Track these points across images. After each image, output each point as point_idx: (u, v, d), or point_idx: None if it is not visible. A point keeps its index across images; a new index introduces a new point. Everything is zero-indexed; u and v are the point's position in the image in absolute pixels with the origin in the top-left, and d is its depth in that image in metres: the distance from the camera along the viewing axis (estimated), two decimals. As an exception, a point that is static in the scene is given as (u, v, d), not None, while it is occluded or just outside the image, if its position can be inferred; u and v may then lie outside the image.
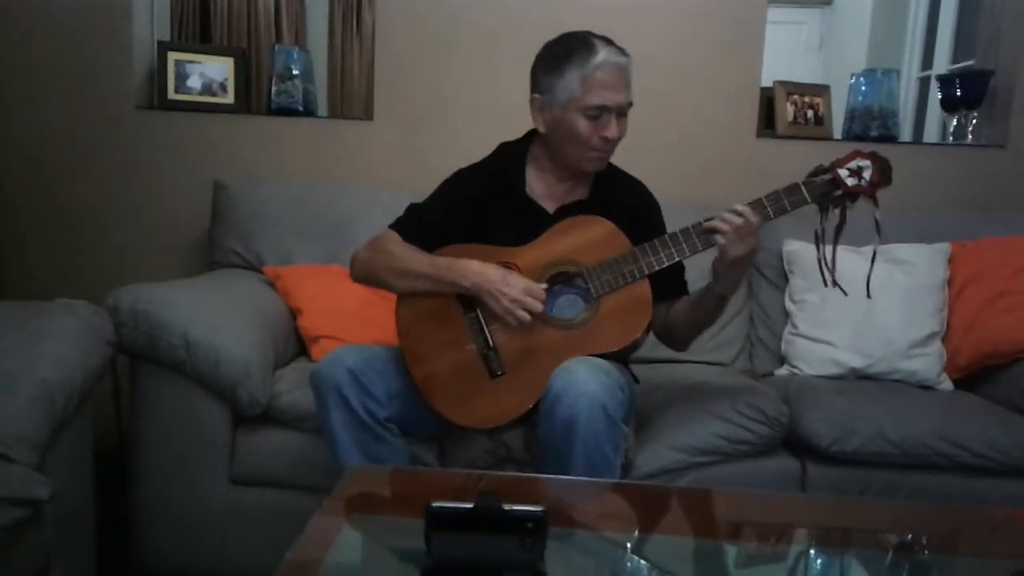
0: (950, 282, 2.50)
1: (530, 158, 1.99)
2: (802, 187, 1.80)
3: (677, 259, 1.83)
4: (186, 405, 2.06)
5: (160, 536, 2.12)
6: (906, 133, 4.06)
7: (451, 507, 1.16)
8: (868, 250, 1.90)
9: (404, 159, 2.88)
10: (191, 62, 2.93)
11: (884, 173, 1.79)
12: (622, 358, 1.97)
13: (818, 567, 1.41)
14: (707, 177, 2.83)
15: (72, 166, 2.90)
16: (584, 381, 1.67)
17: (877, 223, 1.81)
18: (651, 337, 1.98)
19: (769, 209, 1.78)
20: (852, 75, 2.99)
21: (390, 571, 1.35)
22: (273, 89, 2.94)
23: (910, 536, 1.50)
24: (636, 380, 2.04)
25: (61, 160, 2.90)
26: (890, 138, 2.90)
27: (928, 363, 2.39)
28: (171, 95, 2.91)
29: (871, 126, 2.90)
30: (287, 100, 2.92)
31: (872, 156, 1.80)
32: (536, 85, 1.91)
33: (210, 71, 2.94)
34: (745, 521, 1.55)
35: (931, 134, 4.04)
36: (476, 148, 2.06)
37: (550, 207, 1.96)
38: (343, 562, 1.33)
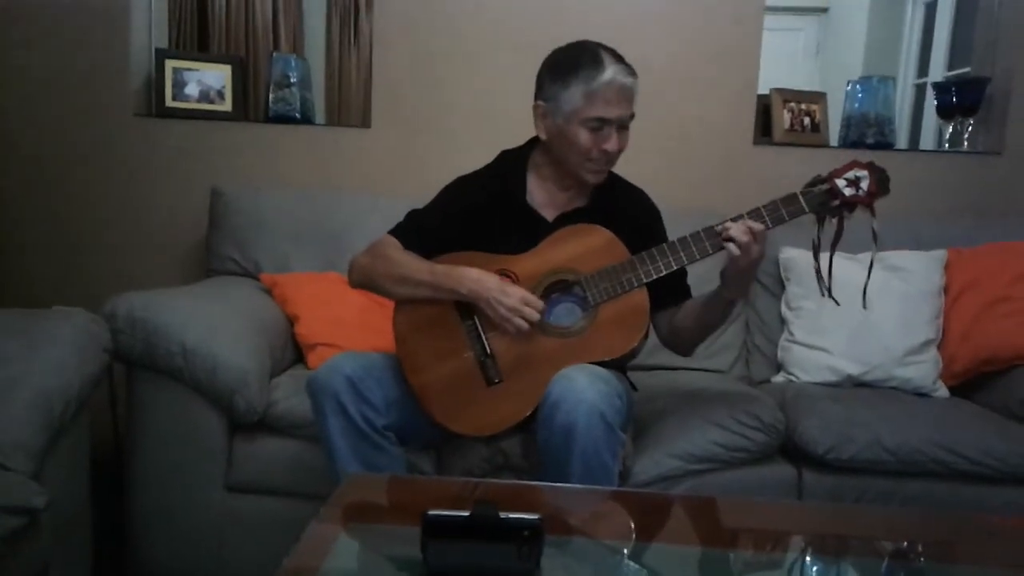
0: (946, 289, 2.51)
1: (531, 166, 2.00)
2: (800, 197, 1.80)
3: (675, 268, 1.83)
4: (183, 412, 2.06)
5: (157, 543, 2.12)
6: (902, 140, 4.07)
7: (447, 515, 1.16)
8: (865, 258, 1.90)
9: (402, 167, 2.88)
10: (189, 69, 2.93)
11: (882, 183, 1.80)
12: (620, 366, 1.98)
13: (815, 574, 1.41)
14: (704, 184, 2.83)
15: (70, 173, 2.90)
16: (582, 388, 1.67)
17: (874, 233, 1.81)
18: (649, 344, 1.98)
19: (767, 218, 1.78)
20: (848, 82, 2.99)
21: (387, 579, 1.35)
22: (271, 97, 2.94)
23: (906, 543, 1.50)
24: (634, 387, 2.04)
25: (59, 167, 2.90)
26: (886, 145, 2.90)
27: (924, 370, 2.40)
28: (169, 102, 2.91)
29: (867, 133, 2.90)
30: (285, 108, 2.93)
31: (870, 166, 1.80)
32: (540, 92, 1.91)
33: (208, 79, 2.94)
34: (742, 528, 1.55)
35: (927, 141, 4.05)
36: (474, 155, 2.06)
37: (550, 215, 1.96)
38: (340, 570, 1.33)
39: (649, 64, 2.73)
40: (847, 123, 2.95)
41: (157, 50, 2.97)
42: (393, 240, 1.96)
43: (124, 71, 2.88)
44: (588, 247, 1.87)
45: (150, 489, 2.10)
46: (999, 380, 2.38)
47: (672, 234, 1.88)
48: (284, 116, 2.92)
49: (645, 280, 1.83)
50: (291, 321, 2.41)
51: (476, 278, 1.83)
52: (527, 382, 1.81)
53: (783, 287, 2.61)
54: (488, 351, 1.85)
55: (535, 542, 1.15)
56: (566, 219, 1.95)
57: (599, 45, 1.88)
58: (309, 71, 3.06)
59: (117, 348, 1.99)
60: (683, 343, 2.00)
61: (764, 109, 2.96)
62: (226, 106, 2.96)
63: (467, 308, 1.87)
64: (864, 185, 1.78)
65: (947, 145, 3.01)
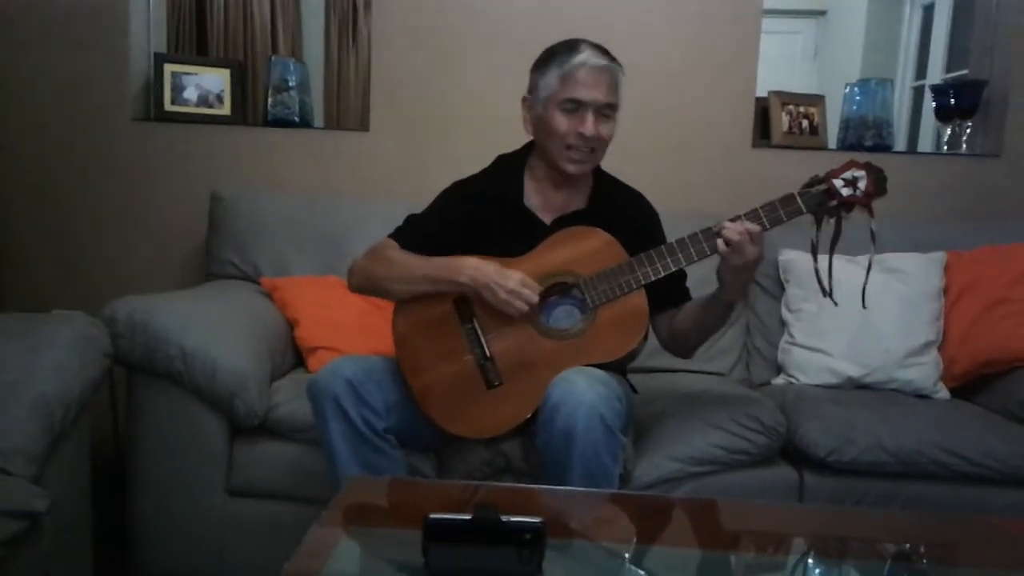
0: (946, 291, 2.51)
1: (527, 169, 2.00)
2: (797, 197, 1.80)
3: (673, 269, 1.83)
4: (183, 416, 2.06)
5: (157, 547, 2.12)
6: (900, 143, 4.08)
7: (449, 519, 1.16)
8: (864, 259, 1.90)
9: (400, 170, 2.88)
10: (187, 74, 2.94)
11: (879, 183, 1.80)
12: (620, 368, 1.98)
13: (816, 577, 1.42)
14: (703, 187, 2.84)
15: (69, 177, 2.90)
16: (582, 391, 1.67)
17: (872, 234, 1.82)
18: (649, 347, 1.98)
19: (764, 219, 1.78)
20: (846, 85, 3.00)
21: (388, 583, 1.35)
22: (269, 100, 2.94)
23: (908, 546, 1.50)
24: (634, 390, 2.05)
25: (58, 171, 2.90)
26: (885, 148, 2.91)
27: (924, 372, 2.40)
28: (168, 107, 2.92)
29: (866, 136, 2.91)
30: (283, 111, 2.93)
31: (867, 166, 1.80)
32: (528, 88, 1.94)
33: (206, 83, 2.95)
34: (743, 531, 1.55)
35: (926, 143, 4.06)
36: (473, 159, 2.06)
37: (547, 218, 1.96)
38: (341, 574, 1.32)
39: (648, 67, 2.75)
40: (845, 125, 2.96)
41: (156, 54, 2.98)
42: (392, 242, 1.97)
43: (123, 75, 2.88)
44: (586, 249, 1.87)
45: (151, 493, 2.10)
46: (999, 382, 2.38)
47: (671, 236, 1.88)
48: (283, 120, 2.93)
49: (643, 282, 1.83)
50: (291, 325, 2.41)
51: (474, 265, 1.83)
52: (527, 384, 1.81)
53: (783, 289, 2.61)
54: (487, 354, 1.85)
55: (537, 545, 1.15)
56: (564, 222, 1.95)
57: (580, 39, 1.91)
58: (308, 75, 3.06)
59: (117, 352, 1.99)
60: (683, 345, 2.00)
61: (762, 112, 2.97)
62: (225, 110, 2.96)
63: (467, 311, 1.87)
64: (862, 185, 1.79)
65: (945, 147, 3.02)
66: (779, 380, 2.52)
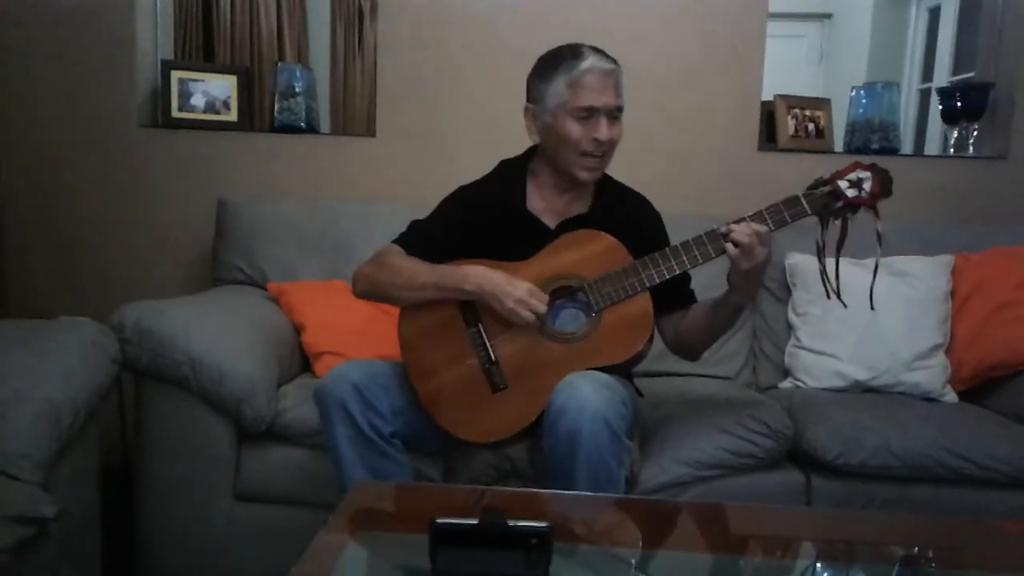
0: (953, 294, 2.50)
1: (530, 174, 2.00)
2: (802, 199, 1.80)
3: (678, 272, 1.83)
4: (191, 422, 2.06)
5: (165, 552, 2.12)
6: (907, 146, 4.07)
7: (455, 523, 1.16)
8: (870, 262, 1.89)
9: (406, 175, 2.89)
10: (194, 80, 2.95)
11: (884, 184, 1.79)
12: (625, 372, 1.98)
13: (824, 581, 1.41)
14: (709, 191, 2.84)
15: (76, 184, 2.91)
16: (587, 395, 1.67)
17: (878, 235, 1.81)
18: (655, 350, 1.98)
19: (769, 221, 1.78)
20: (852, 88, 3.00)
21: (395, 587, 1.35)
22: (276, 107, 2.95)
23: (916, 549, 1.50)
24: (640, 394, 2.04)
25: (65, 178, 2.91)
26: (891, 150, 2.91)
27: (932, 375, 2.39)
28: (175, 113, 2.93)
29: (872, 139, 2.91)
30: (290, 117, 2.94)
31: (872, 168, 1.80)
32: (529, 95, 1.94)
33: (213, 89, 2.96)
34: (750, 535, 1.55)
35: (932, 146, 4.05)
36: (478, 164, 2.07)
37: (551, 222, 1.96)
38: (348, 578, 1.33)
39: (653, 71, 2.76)
40: (851, 129, 2.95)
41: (163, 61, 2.99)
42: (396, 248, 1.97)
43: (130, 82, 2.89)
44: (591, 253, 1.87)
45: (159, 498, 2.11)
46: (1007, 385, 2.37)
47: (677, 240, 1.88)
48: (289, 126, 2.93)
49: (648, 285, 1.83)
50: (298, 330, 2.41)
51: (481, 273, 1.83)
52: (532, 388, 1.81)
53: (789, 293, 2.60)
54: (493, 358, 1.85)
55: (544, 550, 1.15)
56: (567, 225, 1.95)
57: (579, 43, 1.90)
58: (314, 81, 3.07)
59: (125, 358, 1.99)
60: (691, 349, 2.00)
61: (768, 115, 2.97)
62: (232, 116, 2.97)
63: (472, 315, 1.87)
64: (867, 186, 1.78)
65: (952, 150, 3.01)
66: (786, 384, 2.51)
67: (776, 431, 2.06)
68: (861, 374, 2.40)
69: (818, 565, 1.45)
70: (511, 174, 2.01)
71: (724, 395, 2.31)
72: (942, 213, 2.83)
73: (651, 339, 1.90)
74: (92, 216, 2.92)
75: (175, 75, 2.93)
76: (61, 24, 2.86)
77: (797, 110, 2.99)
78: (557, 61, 1.88)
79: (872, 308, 1.94)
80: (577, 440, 1.64)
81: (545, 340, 1.85)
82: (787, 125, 2.96)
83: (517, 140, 2.02)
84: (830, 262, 1.86)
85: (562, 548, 1.21)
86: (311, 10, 3.50)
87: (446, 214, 2.02)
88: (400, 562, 1.38)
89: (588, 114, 1.85)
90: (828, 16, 5.61)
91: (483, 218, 1.97)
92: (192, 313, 2.16)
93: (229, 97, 2.98)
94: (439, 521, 1.15)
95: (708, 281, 2.07)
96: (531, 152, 2.02)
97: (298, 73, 2.98)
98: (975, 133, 2.94)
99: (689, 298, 2.00)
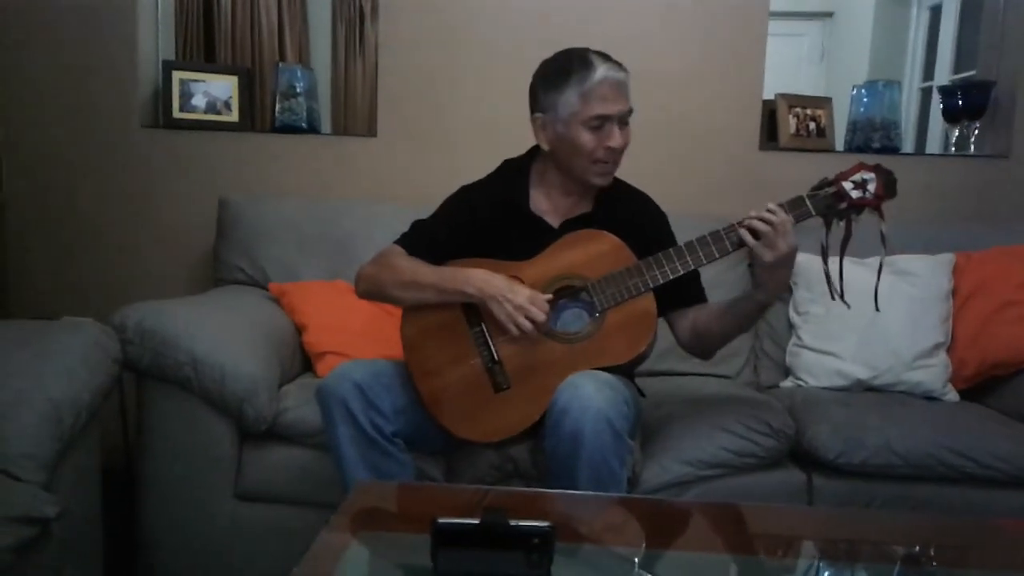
0: (955, 292, 2.50)
1: (534, 174, 2.00)
2: (807, 200, 1.80)
3: (682, 272, 1.82)
4: (192, 422, 2.06)
5: (167, 552, 2.12)
6: (908, 144, 4.07)
7: (457, 523, 1.16)
8: (873, 262, 1.90)
9: (408, 175, 2.89)
10: (196, 81, 2.95)
11: (889, 186, 1.79)
12: (627, 372, 1.97)
13: (826, 580, 1.41)
14: (710, 190, 2.84)
15: (78, 185, 2.92)
16: (589, 395, 1.67)
17: (883, 236, 1.81)
18: (657, 350, 1.98)
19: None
20: (854, 87, 3.00)
21: (397, 587, 1.35)
22: (277, 107, 2.95)
23: (917, 548, 1.50)
24: (642, 394, 2.04)
25: (67, 179, 2.92)
26: (892, 149, 2.91)
27: (933, 374, 2.39)
28: (176, 114, 2.93)
29: (873, 137, 2.91)
30: (291, 118, 2.94)
31: (877, 169, 1.80)
32: (536, 104, 1.92)
33: (214, 89, 2.96)
34: (752, 534, 1.55)
35: (934, 145, 4.05)
36: (479, 164, 2.07)
37: (554, 222, 1.96)
38: (350, 578, 1.33)
39: (654, 71, 2.76)
40: (853, 127, 2.95)
41: (164, 62, 2.99)
42: (398, 249, 1.97)
43: (131, 83, 2.90)
44: (594, 252, 1.87)
45: (160, 498, 2.11)
46: (1009, 384, 2.38)
47: (680, 239, 1.88)
48: (290, 126, 2.94)
49: (652, 285, 1.83)
50: (299, 330, 2.41)
51: (483, 277, 1.83)
52: (535, 388, 1.81)
53: (791, 292, 2.60)
54: (496, 357, 1.85)
55: (545, 549, 1.15)
56: (571, 225, 1.95)
57: (585, 48, 1.89)
58: (315, 81, 3.07)
59: (126, 358, 1.99)
60: (706, 347, 1.98)
61: (770, 114, 2.96)
62: (233, 116, 2.98)
63: (475, 314, 1.87)
64: (871, 187, 1.78)
65: (953, 149, 3.01)
66: (787, 383, 2.51)
67: (777, 430, 2.06)
68: (862, 373, 2.40)
69: (820, 564, 1.46)
70: (514, 174, 2.01)
71: (725, 394, 2.31)
72: (943, 212, 2.83)
73: (654, 340, 1.90)
74: (94, 217, 2.92)
75: (176, 75, 2.93)
76: (62, 24, 2.86)
77: (798, 109, 2.98)
78: (567, 70, 1.86)
79: (877, 309, 1.93)
80: (580, 440, 1.64)
81: (548, 340, 1.85)
82: (788, 124, 2.96)
83: (519, 139, 2.02)
84: (834, 263, 1.86)
85: (564, 548, 1.21)
86: (312, 10, 3.50)
87: (449, 214, 2.01)
88: (402, 562, 1.38)
89: (600, 123, 1.85)
90: (829, 15, 5.60)
91: (486, 218, 1.97)
92: (194, 313, 2.16)
93: (230, 97, 2.98)
94: (441, 521, 1.15)
95: (710, 280, 2.06)
96: (534, 151, 2.01)
97: (299, 73, 2.98)
98: (976, 132, 2.94)
99: (698, 296, 1.99)
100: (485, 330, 1.86)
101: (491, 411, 1.85)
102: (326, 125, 3.18)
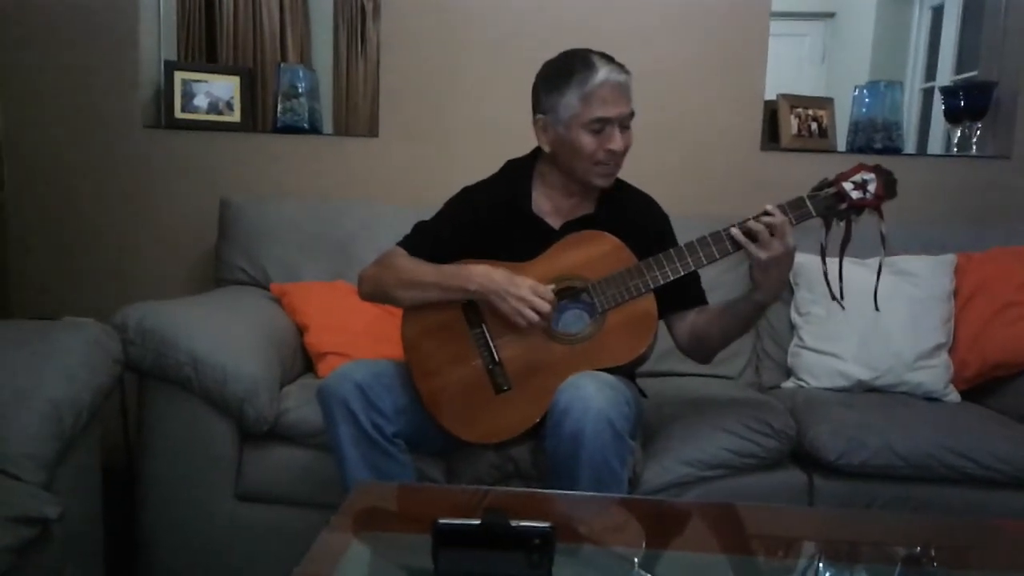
0: (956, 293, 2.50)
1: (536, 175, 2.00)
2: (807, 201, 1.80)
3: (683, 273, 1.82)
4: (193, 422, 2.06)
5: (168, 553, 2.12)
6: (910, 145, 4.06)
7: (458, 523, 1.16)
8: (873, 262, 1.90)
9: (409, 176, 2.89)
10: (197, 81, 2.95)
11: (889, 186, 1.79)
12: (628, 372, 1.97)
13: (826, 581, 1.41)
14: (712, 190, 2.84)
15: (80, 185, 2.92)
16: (591, 396, 1.67)
17: (883, 237, 1.81)
18: (658, 350, 1.98)
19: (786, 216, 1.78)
20: (855, 87, 3.00)
21: (397, 588, 1.35)
22: (279, 107, 2.96)
23: (918, 549, 1.50)
24: (643, 394, 2.04)
25: (69, 179, 2.92)
26: (894, 150, 2.91)
27: (935, 375, 2.39)
28: (178, 114, 2.93)
29: (875, 138, 2.90)
30: (293, 118, 2.94)
31: (877, 169, 1.80)
32: (538, 105, 1.92)
33: (216, 90, 2.96)
34: (753, 535, 1.55)
35: (935, 146, 4.04)
36: (481, 164, 2.07)
37: (556, 223, 1.96)
38: (351, 579, 1.33)
39: (656, 71, 2.75)
40: (855, 128, 2.95)
41: (166, 62, 3.00)
42: (400, 250, 1.97)
43: (133, 83, 2.90)
44: (595, 253, 1.87)
45: (161, 498, 2.11)
46: (1010, 384, 2.37)
47: (681, 240, 1.88)
48: (292, 126, 2.94)
49: (652, 286, 1.83)
50: (300, 330, 2.42)
51: (484, 273, 1.83)
52: (535, 389, 1.81)
53: (792, 292, 2.60)
54: (496, 358, 1.85)
55: (546, 550, 1.15)
56: (572, 227, 1.95)
57: (587, 50, 1.88)
58: (317, 82, 3.07)
59: (127, 358, 1.99)
60: (704, 349, 1.98)
61: (771, 115, 2.96)
62: (235, 117, 2.98)
63: (475, 316, 1.87)
64: (871, 188, 1.78)
65: (955, 149, 3.01)
66: (789, 383, 2.51)
67: (779, 431, 2.06)
68: (864, 374, 2.40)
69: (821, 565, 1.45)
70: (516, 175, 2.01)
71: (727, 395, 2.31)
72: (945, 212, 2.83)
73: (655, 341, 1.90)
74: (95, 217, 2.93)
75: (178, 76, 2.93)
76: (64, 25, 2.86)
77: (800, 109, 2.98)
78: (568, 72, 1.85)
79: (877, 309, 1.93)
80: (581, 440, 1.64)
81: (549, 341, 1.85)
82: (790, 124, 2.96)
83: (520, 140, 2.02)
84: (833, 263, 1.86)
85: (565, 548, 1.21)
86: (314, 10, 3.50)
87: (451, 215, 2.01)
88: (402, 562, 1.38)
89: (601, 126, 1.84)
90: (831, 15, 5.59)
91: (488, 219, 1.97)
92: (195, 313, 2.16)
93: (232, 98, 2.98)
94: (441, 521, 1.16)
95: (711, 281, 2.06)
96: (537, 152, 2.01)
97: (301, 74, 2.98)
98: (978, 132, 2.93)
99: (699, 298, 1.99)
100: (486, 331, 1.86)
101: (491, 412, 1.85)
102: (328, 125, 3.18)
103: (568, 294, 1.88)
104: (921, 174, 2.80)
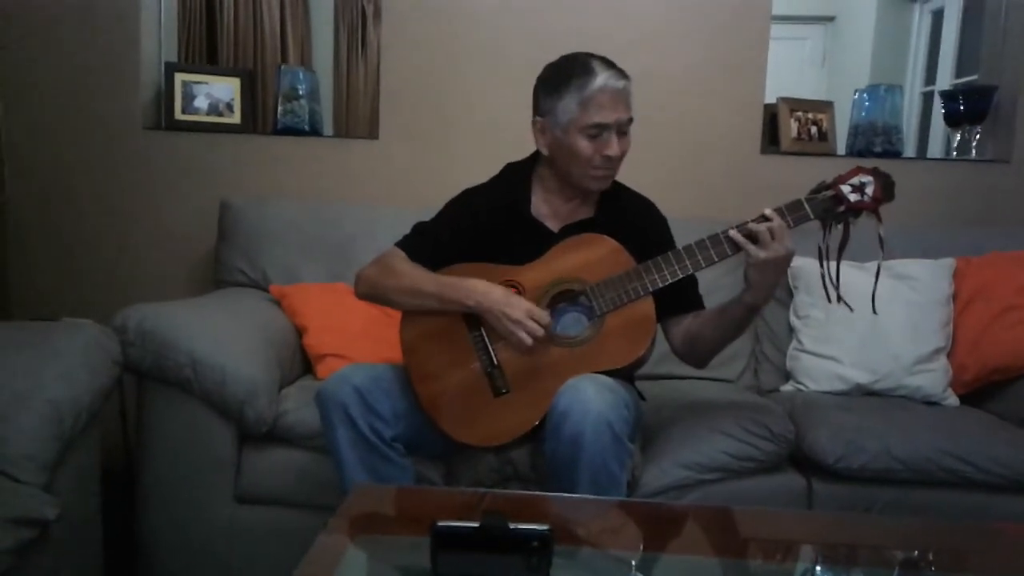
0: (955, 297, 2.50)
1: (535, 178, 2.00)
2: (805, 203, 1.80)
3: (681, 276, 1.83)
4: (192, 424, 2.06)
5: (166, 554, 2.12)
6: (910, 148, 4.07)
7: (456, 526, 1.16)
8: (872, 266, 1.90)
9: (409, 178, 2.89)
10: (198, 83, 2.95)
11: (887, 189, 1.79)
12: (627, 375, 1.97)
13: (824, 585, 1.41)
14: (712, 194, 2.84)
15: (80, 186, 2.92)
16: (590, 399, 1.67)
17: (881, 239, 1.81)
18: (657, 354, 1.98)
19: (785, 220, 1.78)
20: (855, 91, 3.00)
21: (396, 590, 1.35)
22: (279, 109, 2.96)
23: (916, 553, 1.50)
24: (642, 397, 2.04)
25: (69, 180, 2.92)
26: (894, 154, 2.91)
27: (934, 379, 2.39)
28: (178, 116, 2.93)
29: (875, 142, 2.91)
30: (293, 120, 2.94)
31: (874, 172, 1.80)
32: (537, 108, 1.92)
33: (217, 92, 2.96)
34: (751, 538, 1.55)
35: (935, 149, 4.05)
36: (481, 167, 2.07)
37: (555, 226, 1.96)
38: (349, 581, 1.33)
39: (656, 75, 2.76)
40: (854, 131, 2.96)
41: (166, 64, 3.00)
42: (400, 252, 1.97)
43: (134, 85, 2.90)
44: (594, 257, 1.87)
45: (160, 500, 2.11)
46: (1009, 388, 2.37)
47: (680, 244, 1.88)
48: (292, 128, 2.94)
49: (651, 289, 1.83)
50: (300, 332, 2.42)
51: (482, 290, 1.83)
52: (534, 392, 1.81)
53: (791, 296, 2.60)
54: (495, 361, 1.86)
55: (544, 553, 1.15)
56: (571, 230, 1.95)
57: (588, 54, 1.88)
58: (317, 83, 3.08)
59: (127, 360, 1.99)
60: (699, 354, 1.98)
61: (771, 118, 2.97)
62: (235, 119, 2.98)
63: (474, 319, 1.87)
64: (869, 191, 1.78)
65: (955, 153, 3.01)
66: (787, 387, 2.51)
67: (777, 435, 2.06)
68: (863, 377, 2.40)
69: (819, 569, 1.46)
70: (516, 178, 2.01)
71: (725, 398, 2.31)
72: (944, 216, 2.83)
73: (653, 344, 1.90)
74: (95, 218, 2.93)
75: (178, 77, 2.94)
76: (64, 26, 2.86)
77: (800, 113, 2.99)
78: (567, 76, 1.85)
79: (875, 312, 1.93)
80: (580, 443, 1.64)
81: (547, 344, 1.85)
82: (790, 128, 2.96)
83: (520, 143, 2.02)
84: (832, 266, 1.86)
85: (563, 551, 1.21)
86: (314, 12, 3.51)
87: (450, 217, 2.01)
88: (401, 565, 1.38)
89: (598, 131, 1.84)
90: (831, 19, 5.60)
91: (487, 222, 1.97)
92: (194, 315, 2.16)
93: (232, 99, 2.98)
94: (440, 524, 1.16)
95: (710, 283, 2.06)
96: (536, 156, 2.01)
97: (301, 75, 2.98)
98: (978, 136, 2.94)
99: (696, 303, 1.99)
100: (484, 334, 1.87)
101: (490, 415, 1.85)
102: (328, 127, 3.19)
103: (566, 297, 1.88)
104: (921, 178, 2.80)
